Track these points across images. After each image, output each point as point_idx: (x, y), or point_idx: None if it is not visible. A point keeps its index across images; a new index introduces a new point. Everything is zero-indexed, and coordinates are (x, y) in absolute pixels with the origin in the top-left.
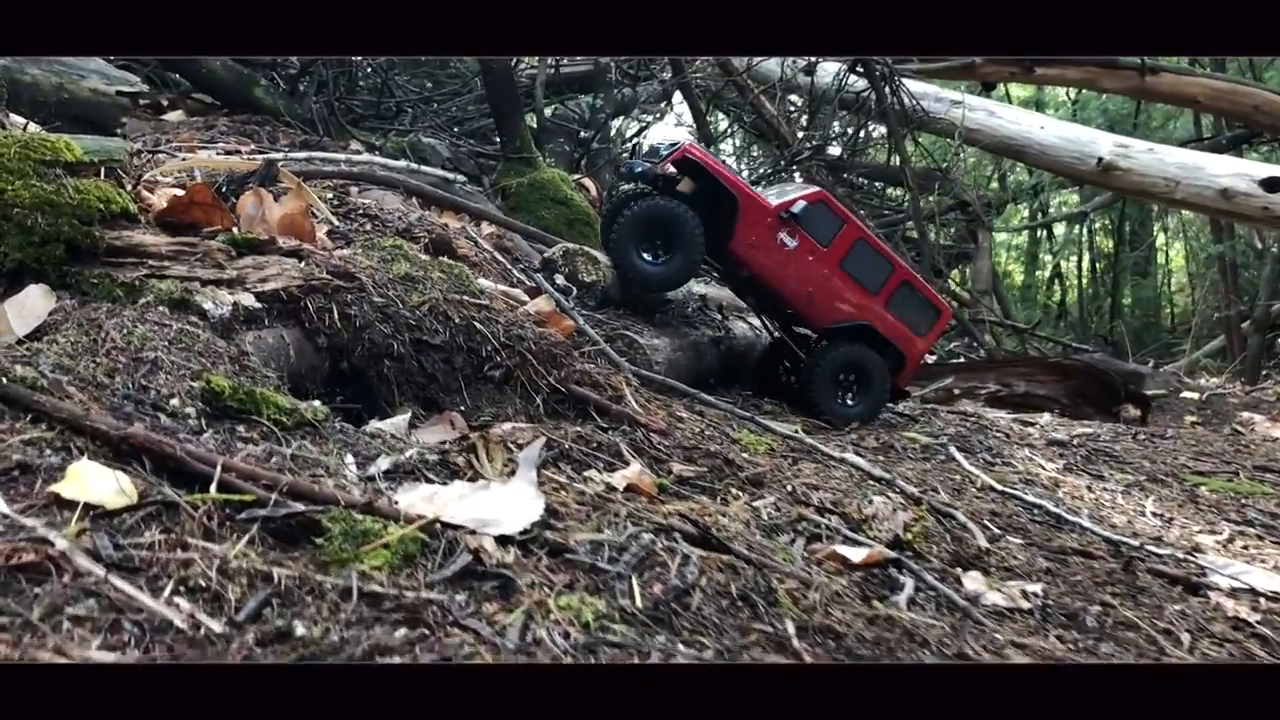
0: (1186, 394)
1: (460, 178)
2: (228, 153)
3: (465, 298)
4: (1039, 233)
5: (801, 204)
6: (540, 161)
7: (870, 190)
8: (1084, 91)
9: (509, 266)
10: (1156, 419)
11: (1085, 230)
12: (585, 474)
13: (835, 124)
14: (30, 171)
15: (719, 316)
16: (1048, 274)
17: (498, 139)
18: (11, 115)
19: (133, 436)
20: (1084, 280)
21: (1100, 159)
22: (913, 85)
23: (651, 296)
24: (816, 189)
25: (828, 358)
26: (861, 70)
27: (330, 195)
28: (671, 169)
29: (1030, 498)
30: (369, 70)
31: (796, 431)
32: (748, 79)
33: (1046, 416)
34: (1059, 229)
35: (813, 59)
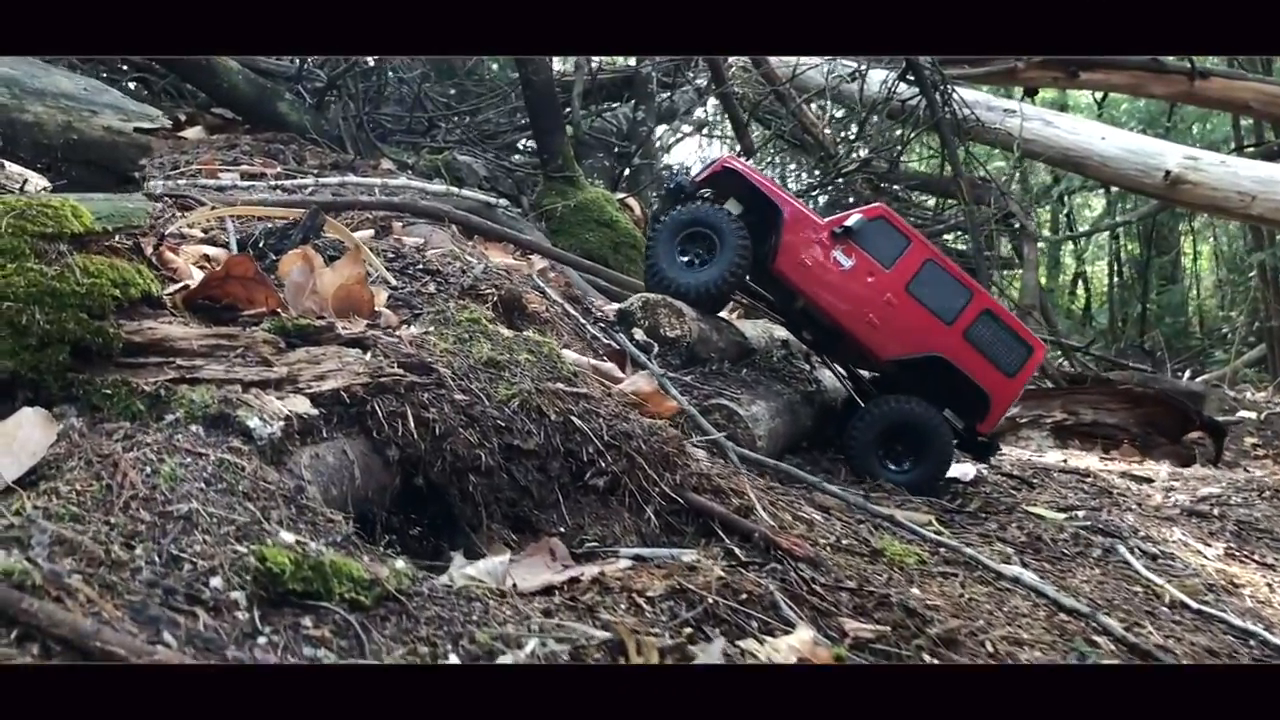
0: (1242, 412)
1: (503, 201)
2: (251, 176)
3: (559, 385)
4: (1059, 234)
5: (858, 218)
6: (582, 180)
7: (909, 200)
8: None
9: (582, 321)
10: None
11: (1109, 234)
12: (741, 643)
13: (884, 134)
14: (26, 250)
15: (807, 367)
16: (1069, 278)
17: (537, 155)
18: (7, 166)
19: (162, 664)
20: (1113, 286)
21: (1168, 172)
22: (964, 94)
23: (735, 349)
24: (876, 205)
25: (871, 413)
26: (912, 78)
27: (371, 232)
28: (702, 185)
29: (1235, 619)
30: (399, 82)
31: (931, 523)
32: (790, 88)
33: (1162, 472)
34: (1081, 230)
35: (860, 67)
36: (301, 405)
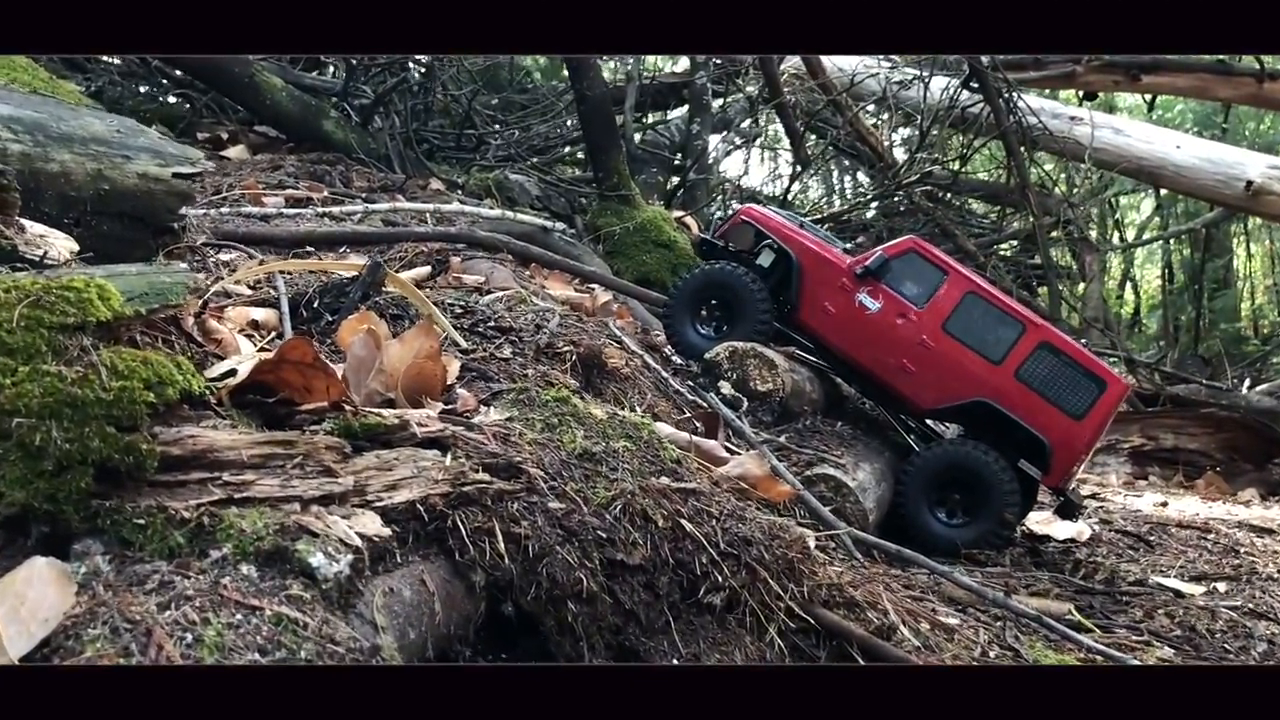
0: None
1: (559, 225)
2: (297, 202)
3: (664, 480)
4: (1109, 238)
5: (879, 256)
6: (639, 199)
7: (971, 211)
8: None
9: (664, 374)
10: None
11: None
12: None
13: (947, 143)
14: (42, 348)
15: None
16: (1117, 281)
17: (591, 173)
18: (28, 227)
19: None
20: (1165, 291)
21: (1250, 182)
22: (1028, 100)
23: (826, 399)
24: (905, 238)
25: (922, 458)
26: (976, 85)
27: (428, 269)
28: (726, 238)
29: None
30: (450, 98)
31: (1070, 612)
32: (847, 97)
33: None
34: (1131, 235)
35: (921, 73)
36: (372, 524)
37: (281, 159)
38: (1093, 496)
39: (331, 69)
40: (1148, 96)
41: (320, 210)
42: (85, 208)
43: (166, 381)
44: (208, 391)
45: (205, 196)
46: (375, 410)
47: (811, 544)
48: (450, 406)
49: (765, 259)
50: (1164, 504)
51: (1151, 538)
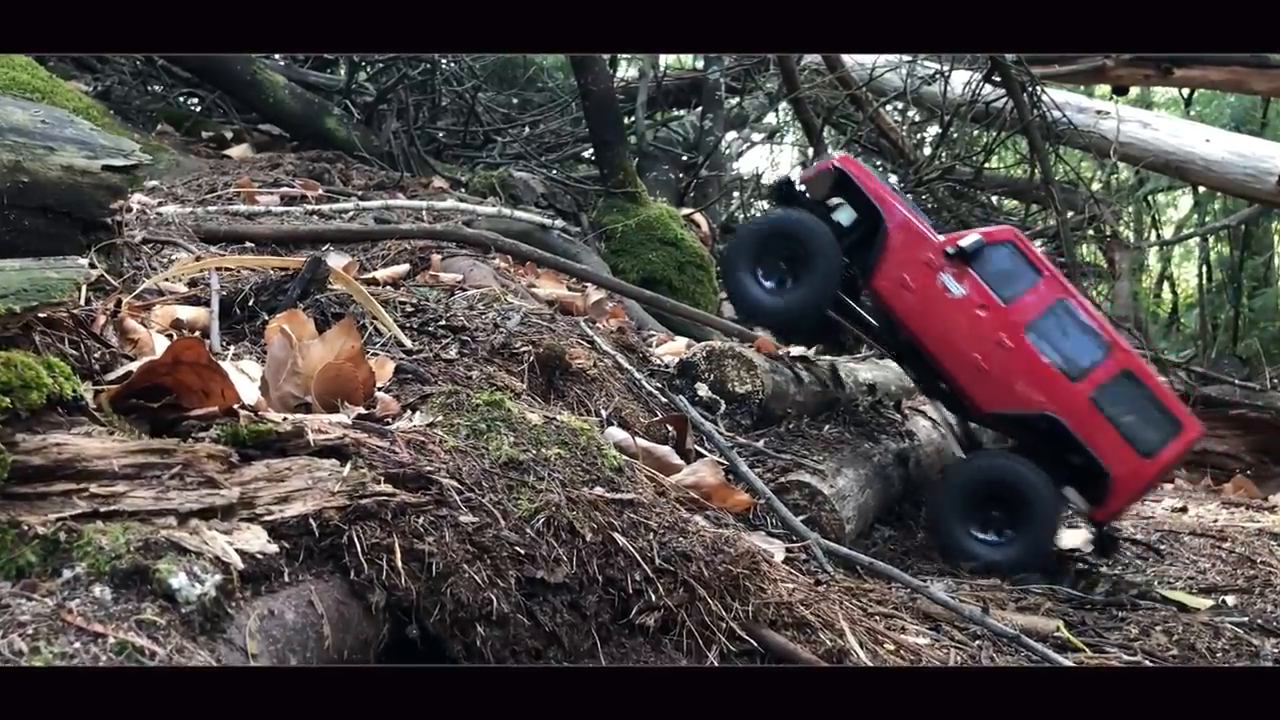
0: None
1: (558, 223)
2: (291, 200)
3: (598, 491)
4: (1145, 236)
5: (975, 239)
6: (645, 196)
7: (997, 207)
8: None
9: (637, 375)
10: None
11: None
12: None
13: (969, 139)
14: None
15: (899, 417)
16: (1154, 279)
17: (596, 170)
18: None
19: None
20: (1203, 289)
21: None
22: (1053, 94)
23: (815, 402)
24: (1005, 227)
25: (963, 468)
26: (998, 79)
27: (406, 268)
28: (809, 185)
29: None
30: (455, 95)
31: (1059, 629)
32: (867, 92)
33: None
34: (1168, 233)
35: (942, 68)
36: (256, 540)
37: (281, 157)
38: None
39: (333, 67)
40: (1184, 91)
41: (309, 208)
42: (2, 200)
43: (32, 384)
44: (85, 397)
45: (199, 195)
46: (268, 416)
47: (779, 556)
48: (369, 411)
49: (844, 216)
50: (1182, 509)
51: (1162, 546)
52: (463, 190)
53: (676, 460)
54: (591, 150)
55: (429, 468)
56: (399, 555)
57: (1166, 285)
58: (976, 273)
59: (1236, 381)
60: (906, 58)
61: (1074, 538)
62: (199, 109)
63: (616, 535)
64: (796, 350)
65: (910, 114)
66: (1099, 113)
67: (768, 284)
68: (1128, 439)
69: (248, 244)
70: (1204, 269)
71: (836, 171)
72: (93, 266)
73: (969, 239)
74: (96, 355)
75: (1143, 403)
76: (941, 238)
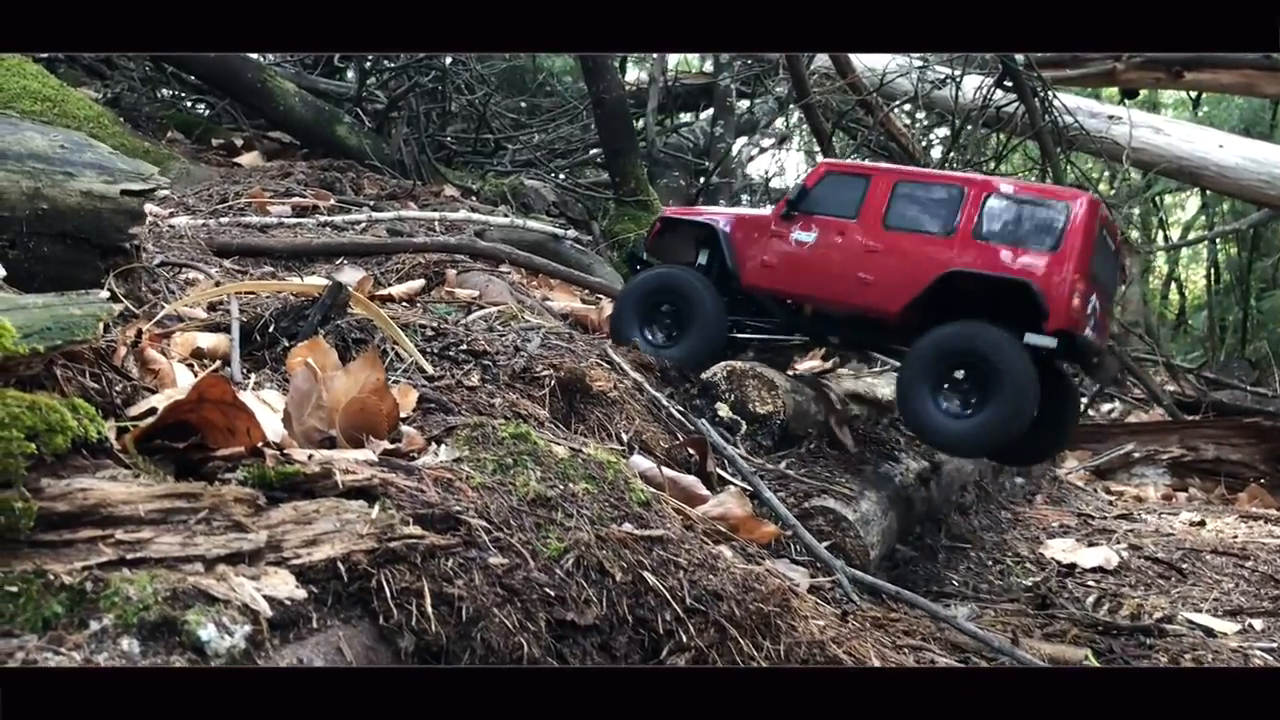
0: None
1: (571, 233)
2: (303, 210)
3: (627, 528)
4: (1153, 238)
5: (796, 187)
6: (656, 204)
7: None
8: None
9: (656, 395)
10: None
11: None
12: None
13: (981, 144)
14: None
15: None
16: (1161, 282)
17: (608, 178)
18: None
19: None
20: (1211, 291)
21: None
22: (1064, 99)
23: (833, 422)
24: (818, 165)
25: (921, 345)
26: (1010, 83)
27: (421, 283)
28: (653, 250)
29: None
30: (466, 103)
31: (1086, 659)
32: (878, 97)
33: None
34: (1175, 234)
35: (954, 72)
36: (285, 586)
37: (291, 166)
38: (1125, 516)
39: (342, 74)
40: (1192, 94)
41: (322, 219)
42: (21, 228)
43: (58, 428)
44: (109, 438)
45: (210, 205)
46: (299, 457)
47: (804, 584)
48: (394, 446)
49: (701, 258)
50: (1200, 523)
51: (1184, 565)
52: (474, 199)
53: (703, 491)
54: (602, 156)
55: (457, 507)
56: (429, 599)
57: (1174, 287)
58: (814, 213)
59: (1248, 388)
60: (918, 62)
61: (1094, 556)
62: (208, 115)
63: (646, 574)
64: (804, 366)
65: (919, 117)
66: (1111, 118)
67: (654, 338)
68: (1025, 248)
69: (266, 265)
70: (1212, 271)
71: (660, 223)
72: (113, 296)
73: (793, 192)
74: (118, 388)
75: (1020, 209)
76: (770, 209)
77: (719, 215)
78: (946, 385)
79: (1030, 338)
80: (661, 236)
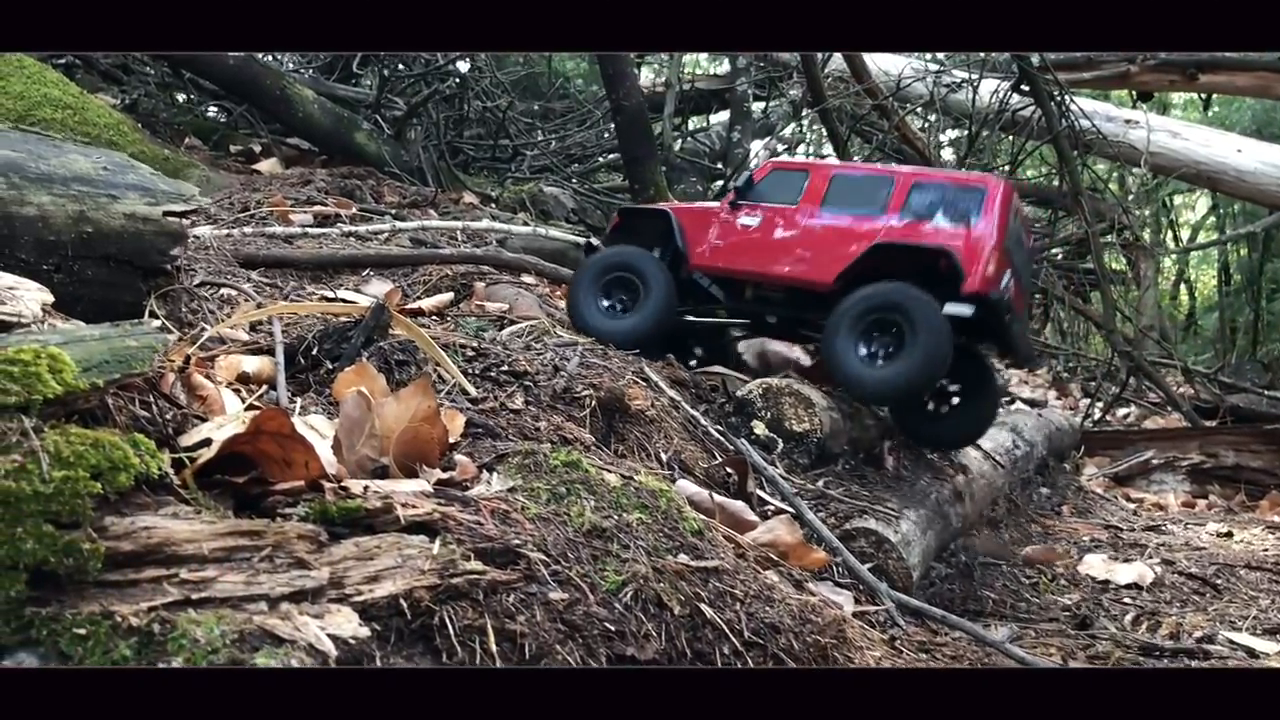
0: None
1: (593, 241)
2: (325, 219)
3: (683, 559)
4: (1163, 238)
5: (744, 176)
6: None
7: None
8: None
9: (695, 415)
10: None
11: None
12: None
13: (997, 148)
14: None
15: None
16: (1170, 283)
17: (628, 185)
18: None
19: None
20: (1222, 293)
21: None
22: (1081, 103)
23: (868, 437)
24: (765, 162)
25: (842, 305)
26: (1026, 88)
27: (450, 295)
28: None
29: None
30: (482, 109)
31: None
32: (893, 101)
33: None
34: (1185, 234)
35: (970, 76)
36: (349, 624)
37: (312, 173)
38: (1154, 528)
39: (359, 80)
40: (1203, 95)
41: (346, 230)
42: (66, 252)
43: (120, 466)
44: (170, 473)
45: (232, 214)
46: (356, 490)
47: (849, 607)
48: (448, 475)
49: (656, 248)
50: (1228, 534)
51: (1219, 580)
52: (493, 205)
53: (751, 516)
54: (621, 161)
55: (516, 540)
56: (492, 637)
57: (1184, 288)
58: (759, 201)
59: (1265, 393)
60: (933, 66)
61: (1129, 572)
62: (224, 123)
63: (704, 606)
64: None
65: (932, 119)
66: (1128, 122)
67: (606, 310)
68: (949, 223)
69: (293, 279)
70: (1223, 272)
71: (619, 215)
72: (154, 316)
73: (740, 181)
74: (168, 416)
75: (943, 195)
76: (720, 201)
77: (670, 206)
78: (867, 335)
79: (950, 307)
80: (619, 229)
